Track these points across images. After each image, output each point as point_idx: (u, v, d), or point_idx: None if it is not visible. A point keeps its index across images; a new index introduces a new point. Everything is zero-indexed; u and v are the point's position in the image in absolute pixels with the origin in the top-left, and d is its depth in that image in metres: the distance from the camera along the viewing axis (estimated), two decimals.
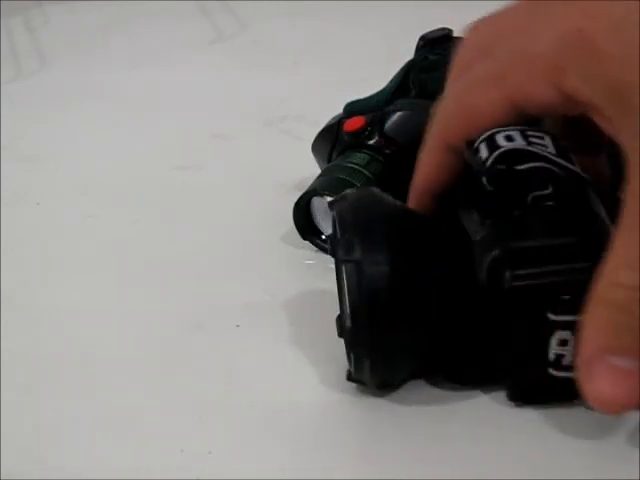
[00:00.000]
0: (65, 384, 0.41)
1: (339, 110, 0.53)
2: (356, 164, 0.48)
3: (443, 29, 0.53)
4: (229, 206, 0.54)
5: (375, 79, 0.52)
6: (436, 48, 0.52)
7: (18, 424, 0.38)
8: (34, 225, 0.54)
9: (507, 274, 0.32)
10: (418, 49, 0.53)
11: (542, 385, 0.34)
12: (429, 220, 0.37)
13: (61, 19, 0.85)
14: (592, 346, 0.28)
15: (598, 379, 0.28)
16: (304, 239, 0.49)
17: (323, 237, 0.48)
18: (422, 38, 0.53)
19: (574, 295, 0.31)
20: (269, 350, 0.42)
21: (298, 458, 0.36)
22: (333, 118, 0.53)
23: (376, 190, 0.38)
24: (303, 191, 0.48)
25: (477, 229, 0.34)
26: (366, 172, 0.47)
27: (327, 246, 0.48)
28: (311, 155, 0.53)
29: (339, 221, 0.36)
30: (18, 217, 0.54)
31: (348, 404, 0.38)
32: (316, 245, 0.49)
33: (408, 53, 0.53)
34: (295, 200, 0.48)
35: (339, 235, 0.35)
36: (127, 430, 0.38)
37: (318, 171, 0.51)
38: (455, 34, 0.52)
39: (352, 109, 0.51)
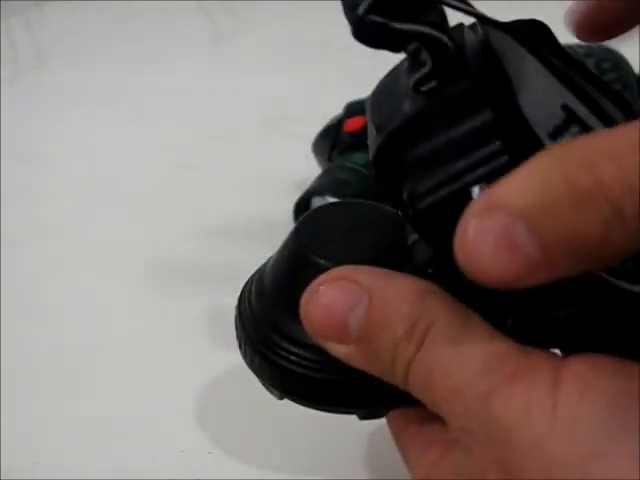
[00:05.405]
0: (65, 384, 0.41)
1: (339, 110, 0.53)
2: (356, 164, 0.48)
3: None
4: (229, 206, 0.54)
5: (375, 79, 0.52)
6: None
7: (18, 424, 0.38)
8: (34, 225, 0.54)
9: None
10: None
11: None
12: None
13: (61, 19, 0.85)
14: (503, 195, 0.20)
15: (487, 234, 0.20)
16: None
17: None
18: None
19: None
20: None
21: (298, 458, 0.36)
22: (333, 118, 0.53)
23: None
24: (303, 191, 0.48)
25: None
26: (366, 172, 0.47)
27: None
28: (311, 155, 0.53)
29: None
30: (18, 217, 0.54)
31: None
32: None
33: None
34: (295, 200, 0.48)
35: None
36: (127, 430, 0.38)
37: (318, 171, 0.51)
38: None
39: (352, 109, 0.51)
